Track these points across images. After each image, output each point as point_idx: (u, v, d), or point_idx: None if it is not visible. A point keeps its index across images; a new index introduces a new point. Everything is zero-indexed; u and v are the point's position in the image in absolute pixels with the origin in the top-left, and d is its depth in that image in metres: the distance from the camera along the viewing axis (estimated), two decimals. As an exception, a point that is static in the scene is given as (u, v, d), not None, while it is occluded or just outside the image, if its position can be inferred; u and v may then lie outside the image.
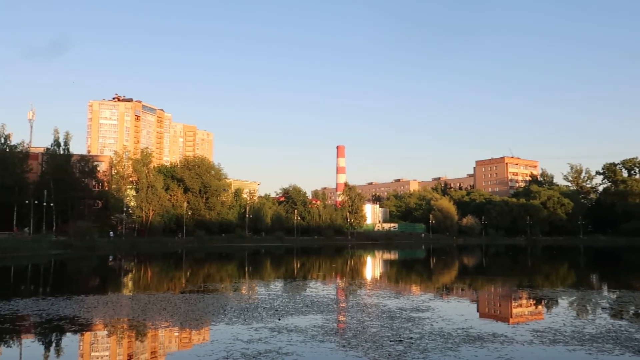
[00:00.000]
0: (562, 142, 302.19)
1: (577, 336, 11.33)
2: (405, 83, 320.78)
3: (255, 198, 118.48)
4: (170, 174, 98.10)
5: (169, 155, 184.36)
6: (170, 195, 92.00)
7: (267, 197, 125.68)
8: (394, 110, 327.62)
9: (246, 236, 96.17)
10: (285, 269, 36.64)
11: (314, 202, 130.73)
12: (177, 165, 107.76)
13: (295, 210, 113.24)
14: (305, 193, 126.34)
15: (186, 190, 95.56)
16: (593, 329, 12.23)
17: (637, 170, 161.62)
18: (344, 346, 10.23)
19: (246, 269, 37.09)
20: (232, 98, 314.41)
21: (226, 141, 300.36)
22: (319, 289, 21.41)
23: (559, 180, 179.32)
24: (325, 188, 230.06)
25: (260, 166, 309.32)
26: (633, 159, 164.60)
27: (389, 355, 9.46)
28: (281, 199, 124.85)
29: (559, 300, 18.24)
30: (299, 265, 41.70)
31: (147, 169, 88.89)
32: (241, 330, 11.71)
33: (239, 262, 46.02)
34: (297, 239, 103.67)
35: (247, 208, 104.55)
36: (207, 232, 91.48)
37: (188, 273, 33.21)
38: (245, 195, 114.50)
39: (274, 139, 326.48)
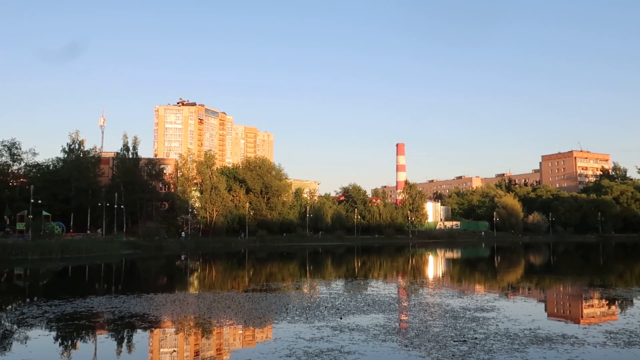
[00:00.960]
0: (635, 134, 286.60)
1: (654, 338, 10.74)
2: (465, 77, 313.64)
3: (316, 197, 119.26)
4: (232, 175, 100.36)
5: (231, 157, 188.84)
6: (233, 196, 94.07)
7: (327, 196, 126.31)
8: (454, 106, 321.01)
9: (307, 235, 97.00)
10: (346, 268, 36.70)
11: (374, 200, 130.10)
12: (239, 166, 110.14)
13: (355, 209, 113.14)
14: (365, 192, 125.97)
15: (248, 190, 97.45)
16: (672, 331, 11.56)
17: None
18: (406, 346, 10.15)
19: (307, 268, 37.41)
20: (291, 98, 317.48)
21: (286, 141, 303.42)
22: (380, 288, 21.31)
23: (632, 174, 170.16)
24: (385, 186, 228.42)
25: (320, 166, 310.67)
26: None
27: (453, 355, 9.31)
28: (341, 198, 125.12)
29: (634, 301, 17.35)
30: (359, 264, 41.65)
31: (211, 171, 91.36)
32: (303, 329, 11.83)
33: (300, 261, 46.47)
34: (357, 237, 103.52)
35: (308, 208, 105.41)
36: (269, 231, 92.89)
37: (251, 272, 33.86)
38: (305, 195, 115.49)
39: (334, 138, 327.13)
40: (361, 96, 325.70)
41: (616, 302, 17.24)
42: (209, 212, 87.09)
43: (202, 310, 14.90)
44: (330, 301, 16.60)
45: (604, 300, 17.97)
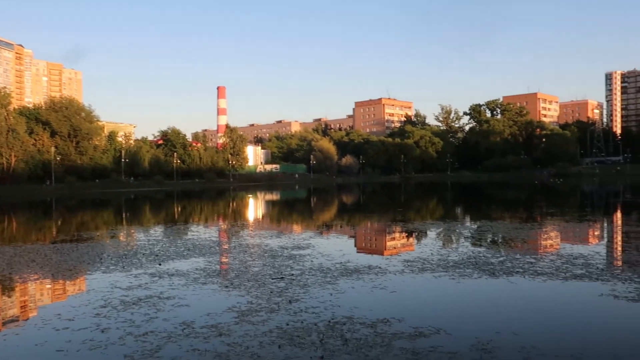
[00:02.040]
0: (434, 84, 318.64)
1: (442, 263, 12.39)
2: (285, 22, 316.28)
3: (132, 141, 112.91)
4: (34, 117, 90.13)
5: (32, 96, 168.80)
6: (35, 140, 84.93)
7: (144, 140, 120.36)
8: (275, 51, 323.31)
9: (122, 181, 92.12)
10: (165, 214, 35.81)
11: (194, 144, 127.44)
12: (41, 106, 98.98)
13: (175, 154, 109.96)
14: (185, 135, 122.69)
15: (53, 134, 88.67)
16: (456, 256, 13.43)
17: (498, 111, 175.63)
18: (226, 287, 10.34)
19: (123, 215, 35.70)
20: (104, 36, 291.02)
21: (97, 81, 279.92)
22: (201, 232, 21.24)
23: (430, 120, 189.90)
24: (206, 130, 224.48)
25: (137, 108, 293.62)
26: (495, 100, 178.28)
27: (271, 292, 9.73)
28: (159, 142, 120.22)
29: (428, 232, 19.72)
30: (179, 209, 40.93)
31: (6, 111, 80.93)
32: (120, 278, 11.37)
33: (116, 208, 44.14)
34: (177, 182, 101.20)
35: (123, 152, 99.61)
36: (79, 178, 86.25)
37: (59, 222, 31.30)
38: (120, 139, 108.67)
39: (151, 80, 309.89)
40: (180, 39, 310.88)
41: (413, 234, 19.43)
42: (6, 158, 77.70)
43: (1, 266, 13.44)
44: (148, 248, 16.13)
45: (403, 233, 20.12)
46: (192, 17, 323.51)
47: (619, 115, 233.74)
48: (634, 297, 8.92)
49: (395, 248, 16.62)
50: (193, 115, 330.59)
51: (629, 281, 10.12)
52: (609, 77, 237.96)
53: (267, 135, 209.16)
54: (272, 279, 10.98)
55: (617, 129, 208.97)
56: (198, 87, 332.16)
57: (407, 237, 19.01)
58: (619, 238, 18.00)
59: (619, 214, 28.85)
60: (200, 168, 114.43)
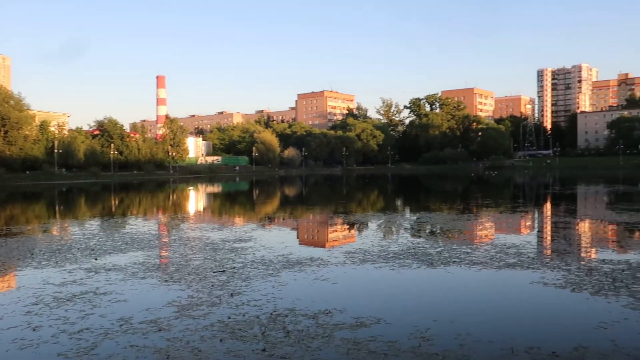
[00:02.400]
0: (375, 77, 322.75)
1: (382, 255, 12.62)
2: (225, 12, 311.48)
3: (65, 131, 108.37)
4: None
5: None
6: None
7: (79, 130, 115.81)
8: (215, 40, 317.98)
9: (56, 173, 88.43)
10: (102, 207, 34.64)
11: (132, 135, 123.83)
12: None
13: (112, 145, 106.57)
14: (122, 126, 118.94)
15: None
16: (396, 247, 13.72)
17: (437, 105, 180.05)
18: (166, 281, 10.15)
19: (57, 209, 34.29)
20: (36, 19, 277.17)
21: (28, 68, 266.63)
22: (140, 225, 20.71)
23: (372, 113, 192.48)
24: (144, 121, 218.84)
25: (71, 97, 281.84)
26: (434, 94, 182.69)
27: (212, 285, 9.63)
28: (95, 133, 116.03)
29: (369, 224, 20.02)
30: (117, 202, 39.71)
31: None
32: (52, 274, 10.93)
33: (49, 201, 42.33)
34: (114, 174, 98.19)
35: (56, 142, 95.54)
36: (8, 169, 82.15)
37: (-14, 216, 29.68)
38: (53, 129, 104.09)
39: (86, 68, 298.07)
40: (122, 25, 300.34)
41: (355, 226, 19.68)
42: None
43: None
44: (84, 242, 15.57)
45: (345, 225, 20.34)
46: (132, 3, 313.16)
47: (549, 110, 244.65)
48: (562, 284, 9.41)
49: (337, 240, 16.78)
50: (131, 106, 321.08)
51: (557, 269, 10.65)
52: (540, 74, 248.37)
53: (209, 126, 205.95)
54: (214, 272, 10.86)
55: (548, 123, 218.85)
56: (137, 76, 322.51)
57: (349, 228, 19.23)
58: (549, 228, 18.91)
59: (548, 205, 30.26)
60: (138, 160, 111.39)
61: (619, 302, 8.18)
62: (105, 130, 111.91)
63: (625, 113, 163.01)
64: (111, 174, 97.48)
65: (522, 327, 7.25)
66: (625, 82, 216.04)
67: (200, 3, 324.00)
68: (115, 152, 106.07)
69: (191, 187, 61.23)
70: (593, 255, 12.42)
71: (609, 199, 32.88)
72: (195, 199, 43.14)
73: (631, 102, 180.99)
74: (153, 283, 10.01)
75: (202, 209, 32.33)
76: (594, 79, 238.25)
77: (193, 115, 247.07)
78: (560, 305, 8.24)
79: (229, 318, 7.58)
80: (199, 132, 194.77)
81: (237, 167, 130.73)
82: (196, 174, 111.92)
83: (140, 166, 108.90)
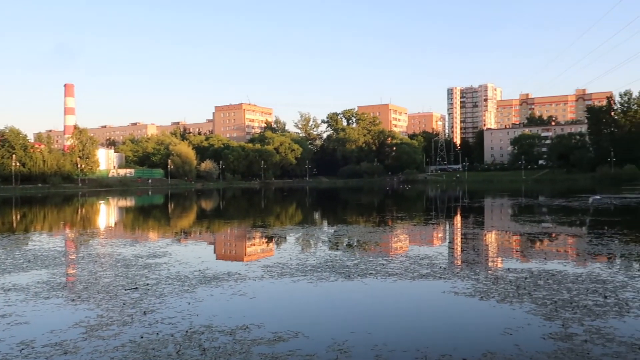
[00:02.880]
0: (293, 91, 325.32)
1: (301, 268, 12.65)
2: (139, 21, 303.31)
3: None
4: None
5: None
6: None
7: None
8: (128, 49, 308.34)
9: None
10: (1, 222, 32.30)
11: (37, 146, 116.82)
12: None
13: (14, 156, 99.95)
14: (25, 136, 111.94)
15: None
16: (314, 260, 13.79)
17: (354, 120, 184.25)
18: (73, 300, 9.59)
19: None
20: None
21: None
22: (44, 241, 19.49)
23: (290, 127, 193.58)
24: (50, 131, 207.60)
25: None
26: (351, 109, 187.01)
27: (124, 304, 9.22)
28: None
29: (287, 237, 20.02)
30: (18, 217, 37.18)
31: None
32: (-57, 296, 10.02)
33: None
34: (16, 187, 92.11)
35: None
36: None
37: None
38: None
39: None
40: (23, 27, 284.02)
41: (273, 239, 19.61)
42: None
43: None
44: (-21, 261, 14.41)
45: (263, 238, 20.22)
46: (39, 9, 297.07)
47: (458, 127, 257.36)
48: (471, 292, 9.84)
49: (255, 254, 16.63)
50: (36, 114, 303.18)
51: (467, 278, 11.14)
52: (450, 93, 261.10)
53: (122, 137, 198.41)
54: (125, 289, 10.41)
55: (457, 139, 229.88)
56: (42, 83, 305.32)
57: (267, 242, 19.13)
58: (459, 239, 19.77)
59: (458, 217, 31.66)
60: (44, 172, 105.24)
61: (522, 308, 8.66)
62: (6, 140, 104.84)
63: (527, 130, 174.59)
64: (13, 187, 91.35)
65: (435, 335, 7.50)
66: (526, 101, 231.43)
67: (111, 12, 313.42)
68: (18, 164, 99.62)
69: (102, 201, 58.52)
70: (499, 265, 13.11)
71: (512, 211, 34.91)
72: (106, 213, 41.27)
73: (531, 121, 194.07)
74: (59, 303, 9.43)
75: (113, 224, 30.97)
76: (499, 98, 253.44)
77: (105, 126, 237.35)
78: (470, 313, 8.60)
79: (142, 337, 7.27)
80: (111, 143, 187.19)
81: (150, 180, 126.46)
82: (107, 187, 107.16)
83: (45, 179, 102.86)
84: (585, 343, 6.82)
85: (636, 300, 9.05)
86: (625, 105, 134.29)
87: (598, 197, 40.68)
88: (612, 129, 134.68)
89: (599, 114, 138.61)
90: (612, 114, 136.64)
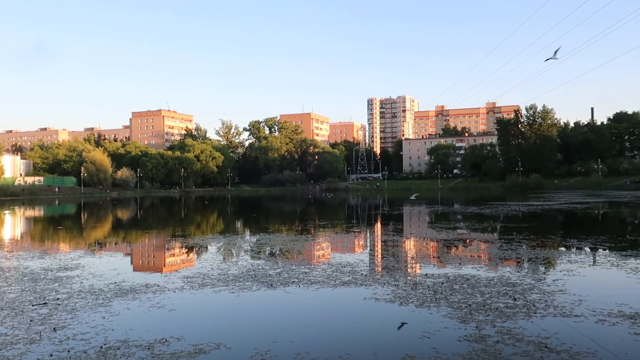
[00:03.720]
0: (215, 98, 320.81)
1: (222, 278, 12.43)
2: (45, 17, 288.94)
3: None
4: None
5: None
6: None
7: None
8: (39, 51, 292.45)
9: None
10: None
11: None
12: None
13: None
14: None
15: None
16: (236, 270, 13.61)
17: (276, 128, 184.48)
18: (-27, 318, 8.89)
19: None
20: None
21: None
22: (-60, 255, 17.95)
23: (211, 134, 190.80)
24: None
25: None
26: (273, 118, 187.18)
27: (32, 320, 8.66)
28: None
29: (208, 247, 19.63)
30: None
31: None
32: None
33: None
34: None
35: None
36: None
37: None
38: None
39: None
40: None
41: (194, 249, 19.17)
42: None
43: None
44: None
45: (183, 249, 19.71)
46: None
47: (378, 137, 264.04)
48: (391, 298, 10.07)
49: (174, 264, 16.17)
50: None
51: (387, 285, 11.39)
52: (370, 103, 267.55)
53: (29, 144, 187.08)
54: (33, 305, 9.79)
55: (377, 149, 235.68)
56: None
57: (187, 252, 18.67)
58: (379, 246, 20.21)
59: (379, 225, 32.39)
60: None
61: (439, 312, 8.98)
62: None
63: (442, 141, 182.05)
64: None
65: (357, 341, 7.60)
66: (441, 113, 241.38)
67: (31, 9, 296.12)
68: None
69: (6, 211, 54.80)
70: (417, 271, 13.53)
71: (429, 219, 36.17)
72: (11, 224, 38.67)
73: (446, 131, 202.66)
74: (-44, 322, 8.71)
75: (19, 236, 29.06)
76: (416, 109, 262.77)
77: (10, 131, 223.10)
78: (390, 319, 8.80)
79: (51, 355, 6.87)
80: (17, 149, 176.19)
81: (57, 189, 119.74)
82: (13, 196, 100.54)
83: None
84: (497, 344, 7.17)
85: (542, 301, 9.63)
86: (531, 118, 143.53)
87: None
88: (520, 141, 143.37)
89: (507, 126, 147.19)
90: (520, 126, 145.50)
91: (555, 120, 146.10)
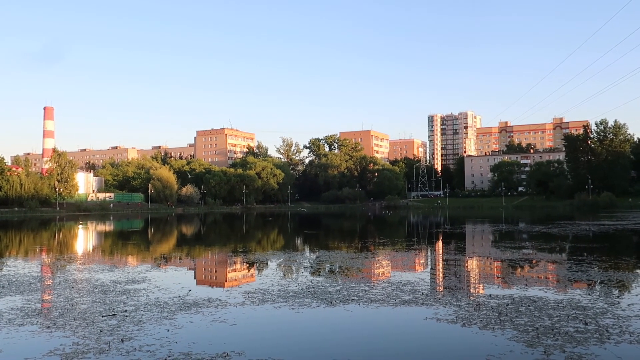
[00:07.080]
0: (275, 117, 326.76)
1: (282, 294, 12.52)
2: (120, 41, 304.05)
3: None
4: None
5: None
6: None
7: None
8: (109, 71, 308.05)
9: None
10: (-25, 247, 31.53)
11: (14, 169, 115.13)
12: None
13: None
14: (3, 159, 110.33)
15: None
16: (296, 286, 13.67)
17: (335, 145, 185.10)
18: (48, 327, 9.35)
19: None
20: None
21: None
22: (19, 267, 19.07)
23: (272, 152, 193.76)
24: (28, 154, 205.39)
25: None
26: (333, 135, 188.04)
27: (101, 331, 9.01)
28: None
29: (269, 263, 19.85)
30: (-6, 241, 36.36)
31: None
32: None
33: None
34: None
35: None
36: None
37: None
38: None
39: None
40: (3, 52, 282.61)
41: (255, 265, 19.42)
42: None
43: None
44: (-49, 286, 14.02)
45: (245, 264, 20.02)
46: (16, 28, 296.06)
47: (439, 153, 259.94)
48: (453, 319, 9.81)
49: (236, 280, 16.44)
50: (14, 137, 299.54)
51: (449, 305, 11.12)
52: (430, 120, 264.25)
53: (101, 161, 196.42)
54: (103, 316, 10.18)
55: (438, 166, 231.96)
56: (21, 105, 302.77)
57: (248, 268, 18.94)
58: (441, 265, 19.78)
59: (440, 243, 31.74)
60: (21, 195, 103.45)
61: (504, 335, 8.65)
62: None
63: (506, 158, 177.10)
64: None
65: (418, 362, 7.43)
66: (505, 129, 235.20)
67: (90, 31, 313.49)
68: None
69: (80, 225, 57.61)
70: (481, 291, 13.13)
71: (493, 237, 35.12)
72: (84, 238, 40.59)
73: (510, 148, 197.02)
74: (33, 330, 9.18)
75: (91, 249, 30.44)
76: (478, 126, 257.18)
77: (84, 150, 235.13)
78: (452, 340, 8.56)
79: (119, 366, 7.09)
80: (90, 167, 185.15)
81: (128, 204, 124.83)
82: (86, 212, 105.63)
83: (22, 203, 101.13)
84: (567, 370, 6.82)
85: (616, 327, 9.11)
86: (602, 133, 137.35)
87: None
88: (589, 157, 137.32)
89: (576, 142, 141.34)
90: (589, 142, 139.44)
91: (628, 136, 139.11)
